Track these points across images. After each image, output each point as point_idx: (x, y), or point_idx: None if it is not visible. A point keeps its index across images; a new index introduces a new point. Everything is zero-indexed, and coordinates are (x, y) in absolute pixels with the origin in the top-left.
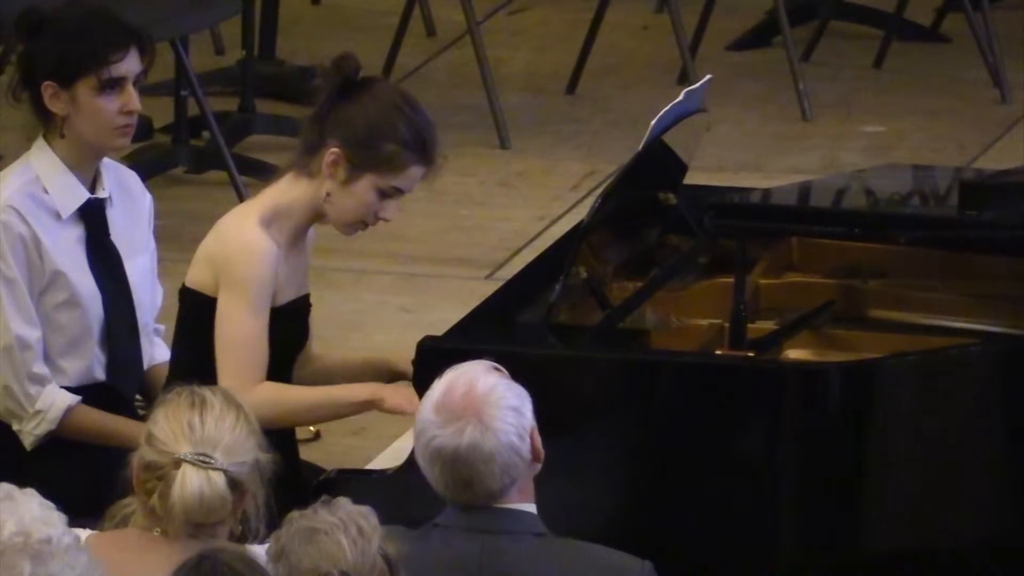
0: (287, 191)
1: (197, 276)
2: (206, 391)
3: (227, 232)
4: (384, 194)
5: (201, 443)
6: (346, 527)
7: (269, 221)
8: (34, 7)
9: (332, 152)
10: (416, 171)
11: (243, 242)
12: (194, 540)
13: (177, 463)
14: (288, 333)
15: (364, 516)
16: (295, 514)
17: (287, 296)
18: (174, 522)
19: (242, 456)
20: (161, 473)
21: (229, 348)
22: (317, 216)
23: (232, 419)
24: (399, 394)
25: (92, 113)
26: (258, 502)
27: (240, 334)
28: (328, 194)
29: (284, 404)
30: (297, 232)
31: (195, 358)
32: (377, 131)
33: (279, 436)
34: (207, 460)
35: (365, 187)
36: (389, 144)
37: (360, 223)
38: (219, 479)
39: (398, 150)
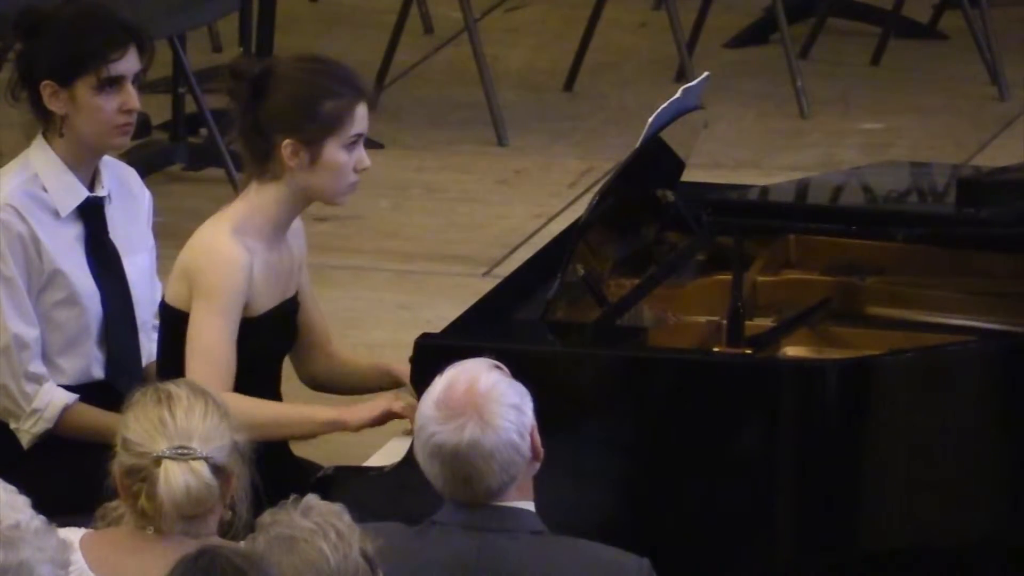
0: (257, 199)
1: (174, 291)
2: (170, 385)
3: (199, 244)
4: (350, 147)
5: (177, 437)
6: (325, 533)
7: (243, 228)
8: (33, 6)
9: (285, 145)
10: (361, 109)
11: (214, 252)
12: (188, 536)
13: (157, 461)
14: (271, 341)
15: (339, 516)
16: (267, 517)
17: (267, 304)
18: (166, 520)
19: (219, 441)
20: (144, 475)
21: (194, 355)
22: (296, 209)
23: (201, 407)
24: (359, 411)
25: (91, 112)
26: (244, 484)
27: (205, 342)
28: (309, 185)
29: (244, 417)
30: (276, 230)
31: (176, 372)
32: (308, 101)
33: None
34: (186, 452)
35: (332, 153)
36: (325, 103)
37: (348, 186)
38: (202, 468)
39: (335, 103)
